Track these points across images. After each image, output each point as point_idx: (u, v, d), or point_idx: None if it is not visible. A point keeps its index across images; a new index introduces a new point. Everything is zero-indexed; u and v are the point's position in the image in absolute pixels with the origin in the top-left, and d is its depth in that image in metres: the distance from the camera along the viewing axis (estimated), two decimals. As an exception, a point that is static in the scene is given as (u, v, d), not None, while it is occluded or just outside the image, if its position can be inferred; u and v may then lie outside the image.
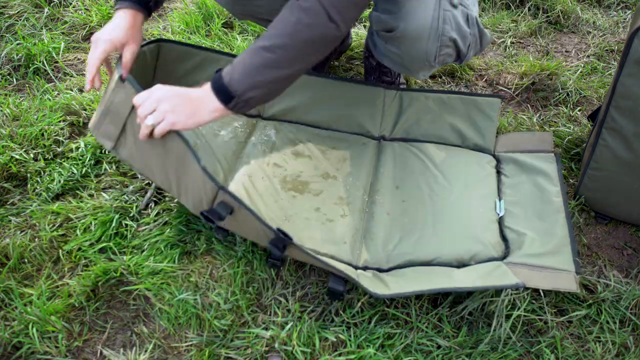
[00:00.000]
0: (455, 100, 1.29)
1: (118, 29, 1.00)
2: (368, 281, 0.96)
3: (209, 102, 0.90)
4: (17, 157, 1.25)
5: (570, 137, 1.36)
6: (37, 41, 1.63)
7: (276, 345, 0.94)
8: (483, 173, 1.21)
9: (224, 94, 0.89)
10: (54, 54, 1.60)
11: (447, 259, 1.03)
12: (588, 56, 1.68)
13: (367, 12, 1.82)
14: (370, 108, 1.31)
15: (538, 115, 1.45)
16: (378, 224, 1.10)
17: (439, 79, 1.57)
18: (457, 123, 1.28)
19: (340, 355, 0.93)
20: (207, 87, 0.91)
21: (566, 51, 1.72)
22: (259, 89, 0.89)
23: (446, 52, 1.05)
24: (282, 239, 0.92)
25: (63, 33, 1.71)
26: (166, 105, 0.88)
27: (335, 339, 0.95)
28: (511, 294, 0.98)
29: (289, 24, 0.87)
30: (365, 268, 1.03)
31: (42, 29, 1.71)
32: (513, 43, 1.72)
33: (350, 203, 1.13)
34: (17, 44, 1.60)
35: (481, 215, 1.11)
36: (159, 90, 0.90)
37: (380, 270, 1.03)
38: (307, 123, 1.31)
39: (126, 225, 1.13)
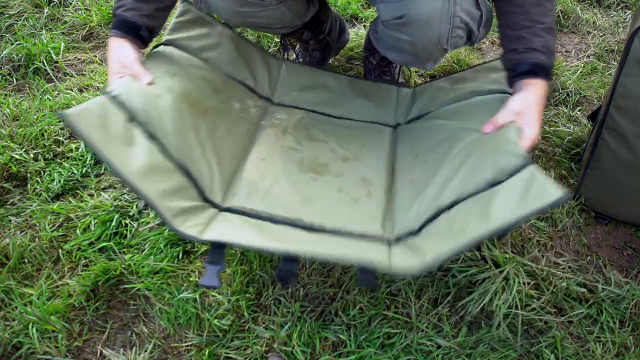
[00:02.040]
0: (466, 73, 1.26)
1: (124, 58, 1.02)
2: (401, 260, 0.85)
3: (545, 93, 1.00)
4: (17, 157, 1.25)
5: (570, 137, 1.36)
6: (37, 41, 1.63)
7: (276, 345, 0.94)
8: (501, 105, 1.08)
9: (550, 74, 1.00)
10: (53, 54, 1.60)
11: (471, 190, 0.89)
12: (588, 56, 1.68)
13: (367, 12, 1.82)
14: (384, 101, 1.29)
15: (538, 115, 1.45)
16: (404, 195, 1.04)
17: (438, 79, 1.57)
18: (470, 87, 1.22)
19: (340, 355, 0.93)
20: (542, 87, 0.98)
21: (566, 51, 1.72)
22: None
23: (457, 34, 1.05)
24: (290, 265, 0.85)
25: (63, 33, 1.71)
26: (534, 129, 0.95)
27: (335, 339, 0.95)
28: (514, 296, 0.98)
29: (546, 5, 0.98)
30: (398, 240, 0.95)
31: (42, 29, 1.71)
32: (513, 43, 1.72)
33: (374, 184, 1.08)
34: (17, 44, 1.60)
35: (504, 131, 0.98)
36: (535, 127, 0.95)
37: (412, 233, 0.94)
38: (320, 112, 1.26)
39: (126, 224, 1.13)
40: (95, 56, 1.64)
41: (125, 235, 1.12)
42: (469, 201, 0.87)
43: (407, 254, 0.86)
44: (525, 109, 0.97)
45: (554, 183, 0.79)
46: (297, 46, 1.49)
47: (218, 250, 0.85)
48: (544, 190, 0.78)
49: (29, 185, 1.22)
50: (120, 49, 1.02)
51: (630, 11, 1.87)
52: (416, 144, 1.16)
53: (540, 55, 0.98)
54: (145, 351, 0.94)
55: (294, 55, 1.50)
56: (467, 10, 1.02)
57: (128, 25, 1.03)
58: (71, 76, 1.55)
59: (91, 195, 1.19)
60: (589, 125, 1.39)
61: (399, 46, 1.11)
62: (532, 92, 0.99)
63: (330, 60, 1.59)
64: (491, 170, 0.87)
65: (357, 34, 1.68)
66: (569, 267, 1.09)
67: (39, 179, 1.23)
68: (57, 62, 1.60)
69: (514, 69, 1.01)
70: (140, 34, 1.04)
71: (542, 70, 0.99)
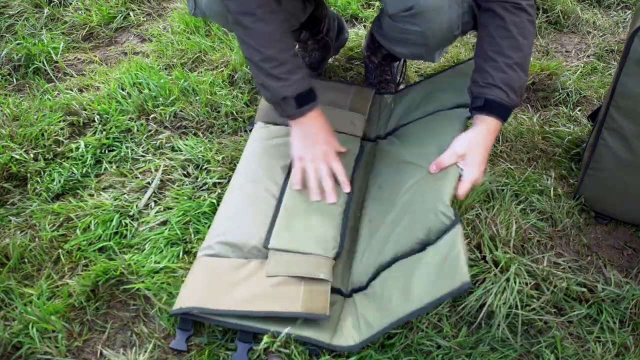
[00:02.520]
0: (440, 78, 1.29)
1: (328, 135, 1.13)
2: (343, 332, 0.94)
3: (495, 136, 1.02)
4: (17, 157, 1.25)
5: (570, 137, 1.36)
6: (37, 41, 1.63)
7: (275, 346, 0.93)
8: (453, 128, 1.10)
9: (508, 113, 1.01)
10: (53, 54, 1.60)
11: (405, 249, 0.97)
12: (588, 56, 1.68)
13: (367, 12, 1.82)
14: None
15: (538, 115, 1.45)
16: (362, 237, 1.08)
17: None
18: (441, 95, 1.25)
19: (340, 355, 0.93)
20: (494, 125, 1.00)
21: (566, 51, 1.72)
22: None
23: (467, 19, 1.05)
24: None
25: (63, 33, 1.71)
26: (475, 170, 0.99)
27: (335, 339, 0.95)
28: (515, 296, 0.98)
29: (517, 38, 0.98)
30: (351, 292, 1.01)
31: (42, 29, 1.71)
32: (513, 43, 1.72)
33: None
34: (17, 44, 1.60)
35: (443, 177, 1.02)
36: (479, 169, 1.00)
37: (361, 288, 1.00)
38: None
39: (126, 224, 1.13)
40: (95, 56, 1.64)
41: (125, 235, 1.12)
42: (401, 264, 0.96)
43: (349, 326, 0.94)
44: (468, 150, 0.99)
45: (465, 261, 0.86)
46: (297, 46, 1.49)
47: (186, 319, 0.94)
48: (454, 272, 0.86)
49: (29, 185, 1.22)
50: (327, 141, 1.12)
51: (630, 11, 1.87)
52: (382, 170, 1.19)
53: (498, 92, 0.97)
54: (145, 351, 0.94)
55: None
56: None
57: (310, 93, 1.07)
58: (71, 76, 1.55)
59: (91, 195, 1.19)
60: (589, 125, 1.39)
61: (408, 38, 1.10)
62: (480, 130, 1.00)
63: (330, 60, 1.59)
64: (421, 230, 0.96)
65: (357, 34, 1.68)
66: (569, 267, 1.09)
67: (39, 179, 1.23)
68: (57, 62, 1.60)
69: (472, 101, 1.02)
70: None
71: (497, 108, 0.98)
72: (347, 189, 1.10)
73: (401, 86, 1.45)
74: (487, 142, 1.00)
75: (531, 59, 1.60)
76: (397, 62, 1.44)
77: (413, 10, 1.02)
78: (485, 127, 1.00)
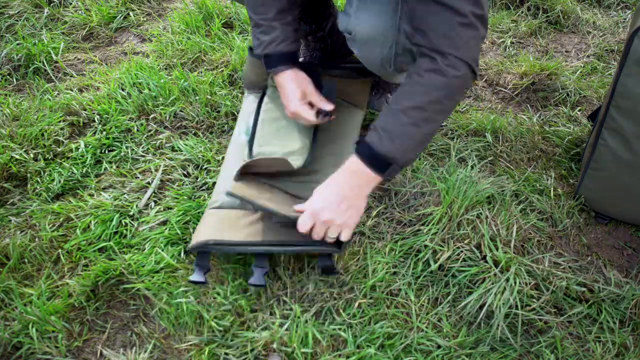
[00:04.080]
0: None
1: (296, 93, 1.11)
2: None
3: (364, 184, 0.94)
4: (17, 157, 1.25)
5: (570, 137, 1.36)
6: (37, 41, 1.63)
7: (275, 345, 0.94)
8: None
9: (381, 163, 0.91)
10: (53, 54, 1.60)
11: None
12: (588, 56, 1.68)
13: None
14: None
15: (538, 115, 1.45)
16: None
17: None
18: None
19: (340, 355, 0.93)
20: (356, 166, 0.93)
21: (566, 51, 1.72)
22: (416, 148, 0.93)
23: (401, 59, 1.06)
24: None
25: (63, 33, 1.71)
26: (336, 220, 0.93)
27: (334, 342, 0.95)
28: (515, 296, 0.98)
29: (429, 84, 0.89)
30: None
31: (42, 29, 1.71)
32: (513, 43, 1.72)
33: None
34: (17, 44, 1.60)
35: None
36: (318, 203, 0.93)
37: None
38: None
39: (126, 224, 1.13)
40: (95, 56, 1.64)
41: (125, 235, 1.12)
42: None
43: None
44: (309, 206, 0.94)
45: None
46: (302, 43, 1.49)
47: (204, 254, 1.01)
48: None
49: (29, 185, 1.22)
50: (299, 79, 1.11)
51: (630, 11, 1.87)
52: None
53: (372, 134, 0.92)
54: (145, 351, 0.94)
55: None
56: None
57: (289, 57, 1.11)
58: (71, 76, 1.55)
59: (91, 195, 1.19)
60: (589, 125, 1.39)
61: (358, 56, 1.14)
62: (341, 169, 0.95)
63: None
64: None
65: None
66: (569, 267, 1.09)
67: (39, 179, 1.23)
68: (57, 62, 1.60)
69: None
70: (298, 59, 1.13)
71: (364, 149, 0.92)
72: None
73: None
74: (340, 181, 0.94)
75: (530, 58, 1.61)
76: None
77: (352, 35, 1.06)
78: (346, 167, 0.95)
